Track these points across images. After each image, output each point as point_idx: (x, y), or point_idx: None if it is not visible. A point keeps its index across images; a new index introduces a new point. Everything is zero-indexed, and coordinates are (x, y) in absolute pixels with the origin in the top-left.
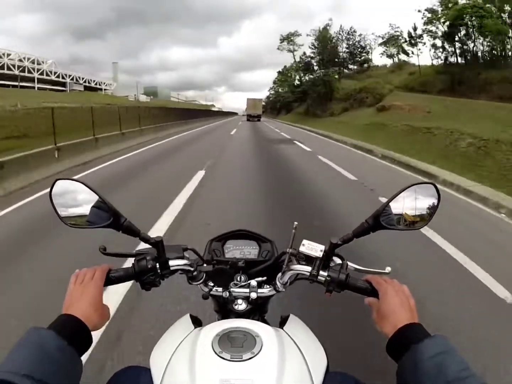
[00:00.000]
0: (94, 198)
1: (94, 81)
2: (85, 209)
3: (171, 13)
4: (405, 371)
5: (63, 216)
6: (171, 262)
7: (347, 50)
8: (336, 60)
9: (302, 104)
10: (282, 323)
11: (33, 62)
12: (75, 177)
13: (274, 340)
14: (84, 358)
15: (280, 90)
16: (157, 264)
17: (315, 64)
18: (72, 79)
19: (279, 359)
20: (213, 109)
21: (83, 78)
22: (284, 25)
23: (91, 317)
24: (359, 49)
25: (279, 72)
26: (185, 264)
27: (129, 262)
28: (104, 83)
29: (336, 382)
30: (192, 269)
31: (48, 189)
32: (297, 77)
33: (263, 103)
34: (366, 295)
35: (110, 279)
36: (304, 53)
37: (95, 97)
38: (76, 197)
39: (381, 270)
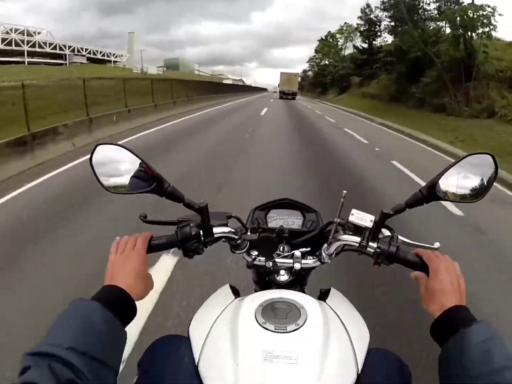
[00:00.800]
0: (137, 163)
1: (100, 52)
2: (127, 174)
3: None
4: (450, 355)
5: (105, 181)
6: (215, 230)
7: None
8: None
9: (371, 79)
10: (322, 296)
11: (22, 33)
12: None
13: (318, 313)
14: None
15: (323, 62)
16: (201, 231)
17: (382, 24)
18: (73, 50)
19: (323, 332)
20: (240, 83)
21: (86, 49)
22: (317, 1)
23: (135, 287)
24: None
25: (321, 40)
26: (229, 232)
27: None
28: (114, 54)
29: (379, 359)
30: (236, 237)
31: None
32: (354, 42)
33: (299, 79)
34: (415, 269)
35: (152, 247)
36: (368, 6)
37: (92, 69)
38: (117, 163)
39: (430, 246)
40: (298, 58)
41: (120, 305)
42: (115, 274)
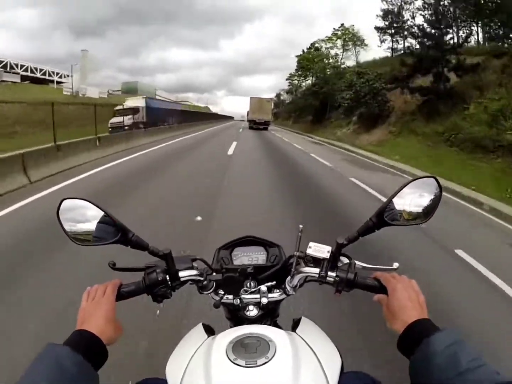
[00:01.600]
0: (101, 215)
1: (40, 70)
2: (92, 227)
3: (171, 13)
4: (417, 366)
5: (72, 234)
6: (181, 273)
7: None
8: None
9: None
10: (294, 326)
11: None
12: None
13: (287, 344)
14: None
15: (307, 80)
16: (167, 276)
17: None
18: (5, 66)
19: (293, 362)
20: (205, 111)
21: (22, 66)
22: (285, 29)
23: (105, 331)
24: None
25: (300, 56)
26: (195, 275)
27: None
28: (58, 73)
29: (352, 381)
30: (202, 278)
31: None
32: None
33: (272, 106)
34: (375, 293)
35: (122, 294)
36: None
37: (18, 89)
38: (83, 216)
39: (388, 267)
40: (266, 86)
41: (91, 349)
42: (86, 319)
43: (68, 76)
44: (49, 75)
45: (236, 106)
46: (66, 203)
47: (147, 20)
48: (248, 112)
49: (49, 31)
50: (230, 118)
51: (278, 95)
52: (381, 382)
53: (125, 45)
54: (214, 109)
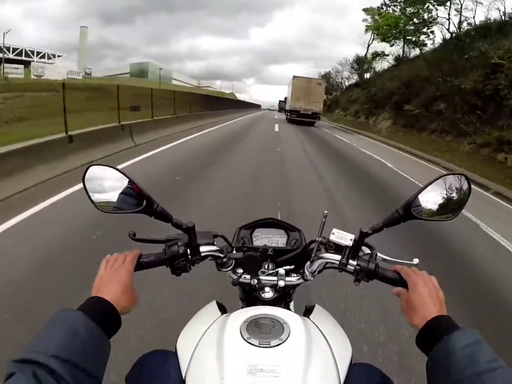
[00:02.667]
0: (127, 183)
1: (15, 49)
2: (117, 195)
3: (201, 1)
4: (436, 363)
5: (97, 201)
6: (201, 248)
7: None
8: None
9: None
10: (306, 312)
11: None
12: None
13: (301, 328)
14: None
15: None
16: (188, 249)
17: None
18: None
19: (306, 347)
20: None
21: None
22: (315, 18)
23: (120, 300)
24: None
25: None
26: (215, 250)
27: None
28: (41, 53)
29: (361, 373)
30: (222, 255)
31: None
32: None
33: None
34: (394, 285)
35: (141, 264)
36: None
37: None
38: (109, 183)
39: (409, 262)
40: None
41: (104, 316)
42: (101, 286)
43: (59, 56)
44: (27, 55)
45: (264, 94)
46: (93, 170)
47: (176, 7)
48: (286, 98)
49: (77, 19)
50: (257, 106)
51: (326, 76)
52: (389, 377)
53: (154, 33)
54: (241, 96)
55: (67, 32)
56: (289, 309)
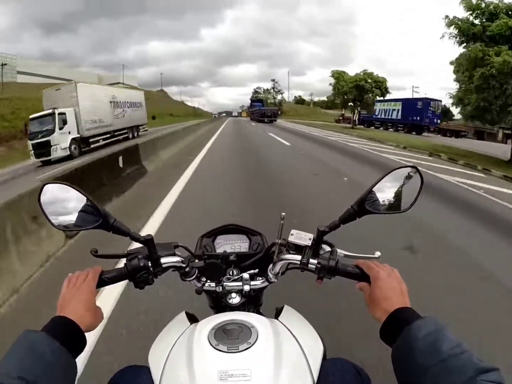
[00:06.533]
0: (83, 200)
1: None
2: (74, 212)
3: (145, 3)
4: (400, 353)
5: (54, 220)
6: (162, 260)
7: None
8: None
9: None
10: (277, 314)
11: None
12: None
13: (269, 330)
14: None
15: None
16: (149, 262)
17: None
18: None
19: (275, 348)
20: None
21: None
22: (266, 16)
23: (84, 318)
24: None
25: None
26: (177, 261)
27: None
28: None
29: (334, 368)
30: (184, 265)
31: None
32: None
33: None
34: (357, 280)
35: (103, 281)
36: None
37: None
38: (65, 201)
39: (370, 255)
40: (252, 75)
41: (68, 335)
42: (65, 305)
43: None
44: None
45: (223, 96)
46: (48, 188)
47: (118, 11)
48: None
49: (15, 30)
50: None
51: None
52: (362, 368)
53: (98, 40)
54: (199, 101)
55: (6, 45)
56: (259, 313)
